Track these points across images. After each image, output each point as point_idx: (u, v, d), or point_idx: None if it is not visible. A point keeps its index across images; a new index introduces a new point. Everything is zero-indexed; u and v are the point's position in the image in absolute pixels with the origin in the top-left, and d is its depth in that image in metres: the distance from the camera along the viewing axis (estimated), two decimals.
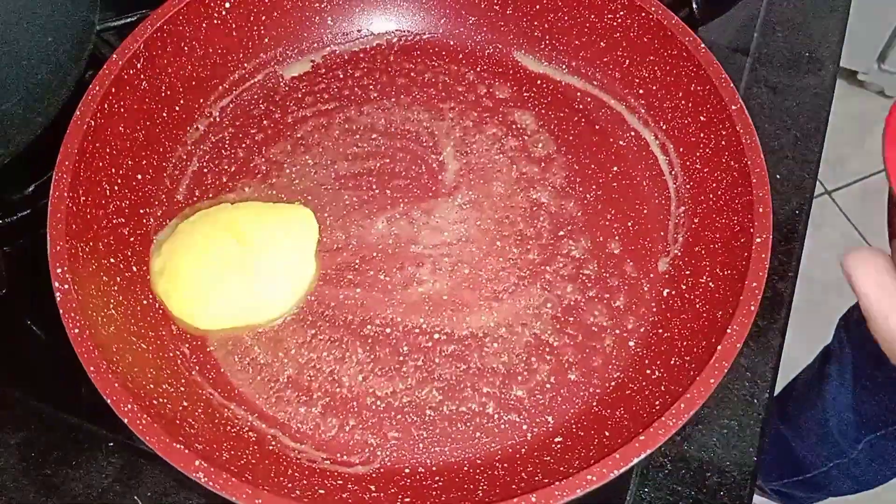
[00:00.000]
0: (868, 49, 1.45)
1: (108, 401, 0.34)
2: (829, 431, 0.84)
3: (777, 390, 0.94)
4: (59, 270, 0.37)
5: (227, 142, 0.48)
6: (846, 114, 1.55)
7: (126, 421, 0.34)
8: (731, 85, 0.43)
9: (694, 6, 0.53)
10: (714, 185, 0.43)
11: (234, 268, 0.43)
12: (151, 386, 0.37)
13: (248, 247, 0.43)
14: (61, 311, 0.36)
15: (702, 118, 0.44)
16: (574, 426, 0.40)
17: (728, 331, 0.36)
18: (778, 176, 0.52)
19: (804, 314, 1.28)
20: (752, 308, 0.37)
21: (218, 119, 0.49)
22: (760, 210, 0.39)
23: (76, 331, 0.35)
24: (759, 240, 0.38)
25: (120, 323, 0.39)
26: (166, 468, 0.41)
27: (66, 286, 0.37)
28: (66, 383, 0.44)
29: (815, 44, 0.59)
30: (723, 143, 0.42)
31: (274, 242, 0.44)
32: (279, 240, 0.44)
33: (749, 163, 0.40)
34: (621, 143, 0.48)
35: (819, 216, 1.46)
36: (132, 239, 0.43)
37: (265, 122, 0.49)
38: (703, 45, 0.44)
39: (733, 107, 0.42)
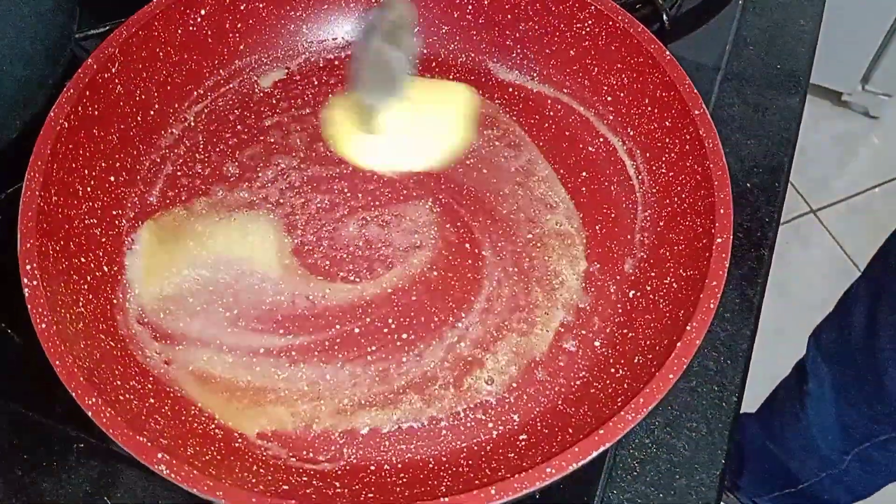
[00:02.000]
0: (852, 70, 1.47)
1: (73, 394, 0.34)
2: (817, 446, 0.84)
3: (758, 405, 0.94)
4: (28, 267, 0.37)
5: (202, 146, 0.49)
6: (831, 134, 1.57)
7: (90, 414, 0.34)
8: (695, 90, 0.43)
9: (665, 20, 0.54)
10: (678, 188, 0.44)
11: None
12: (118, 382, 0.38)
13: None
14: (29, 307, 0.36)
15: (667, 123, 0.45)
16: (539, 424, 0.40)
17: (688, 328, 0.37)
18: (749, 185, 0.53)
19: (788, 332, 1.29)
20: (712, 305, 0.37)
21: (193, 123, 0.49)
22: (721, 211, 0.40)
23: (43, 325, 0.36)
24: (719, 240, 0.39)
25: (88, 321, 0.39)
26: (139, 471, 0.41)
27: (35, 282, 0.37)
28: (39, 386, 0.44)
29: (785, 61, 0.60)
30: (686, 147, 0.43)
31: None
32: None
33: (711, 165, 0.41)
34: (590, 148, 0.49)
35: (804, 235, 1.46)
36: (104, 240, 0.44)
37: (239, 126, 0.50)
38: (668, 53, 0.45)
39: (696, 112, 0.43)
